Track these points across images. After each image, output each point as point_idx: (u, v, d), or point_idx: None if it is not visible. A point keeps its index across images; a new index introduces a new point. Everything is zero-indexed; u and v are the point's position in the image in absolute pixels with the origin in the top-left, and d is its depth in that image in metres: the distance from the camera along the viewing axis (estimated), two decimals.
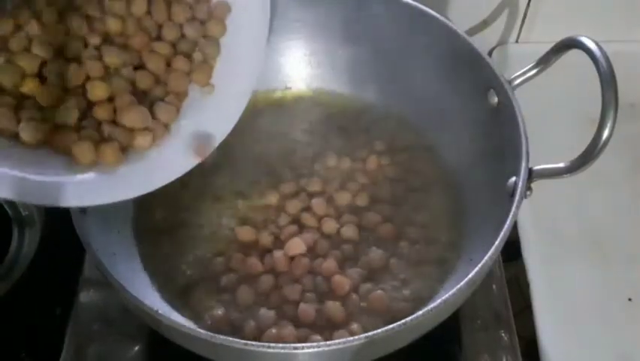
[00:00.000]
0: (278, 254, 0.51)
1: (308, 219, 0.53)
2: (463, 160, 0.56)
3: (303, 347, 0.39)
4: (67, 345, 0.52)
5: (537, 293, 0.54)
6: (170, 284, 0.50)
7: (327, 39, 0.61)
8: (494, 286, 0.55)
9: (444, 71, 0.56)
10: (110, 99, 0.45)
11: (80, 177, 0.43)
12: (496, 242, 0.43)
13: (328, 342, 0.39)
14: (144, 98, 0.47)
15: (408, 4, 0.55)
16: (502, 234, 0.43)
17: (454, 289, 0.41)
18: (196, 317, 0.48)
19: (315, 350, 0.39)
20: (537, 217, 0.58)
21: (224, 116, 0.48)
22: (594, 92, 0.42)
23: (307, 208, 0.54)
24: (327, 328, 0.47)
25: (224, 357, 0.43)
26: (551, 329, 0.53)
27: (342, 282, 0.49)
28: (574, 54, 0.45)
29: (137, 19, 0.47)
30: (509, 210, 0.44)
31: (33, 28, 0.45)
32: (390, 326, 0.39)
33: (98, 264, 0.42)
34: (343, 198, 0.55)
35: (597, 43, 0.43)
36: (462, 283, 0.41)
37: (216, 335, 0.39)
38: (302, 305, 0.48)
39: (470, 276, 0.42)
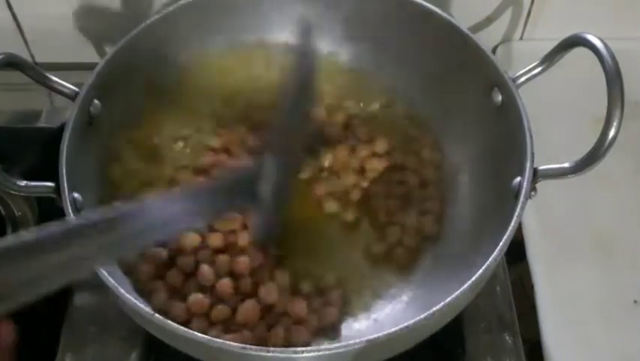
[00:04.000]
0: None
1: None
2: (466, 159, 0.55)
3: (302, 351, 0.39)
4: (61, 348, 0.52)
5: (541, 295, 0.54)
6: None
7: (327, 36, 0.60)
8: (498, 288, 0.54)
9: (447, 68, 0.55)
10: None
11: None
12: (500, 243, 0.42)
13: (329, 346, 0.39)
14: None
15: (410, 2, 0.55)
16: (506, 235, 0.42)
17: (458, 292, 0.40)
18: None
19: (315, 353, 0.39)
20: (542, 218, 0.58)
21: None
22: (600, 90, 0.41)
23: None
24: None
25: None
26: (556, 331, 0.52)
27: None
28: (579, 52, 0.44)
29: None
30: (514, 211, 0.43)
31: None
32: (393, 329, 0.39)
33: None
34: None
35: (603, 41, 0.43)
36: (465, 286, 0.41)
37: (214, 339, 0.39)
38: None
39: (474, 278, 0.41)
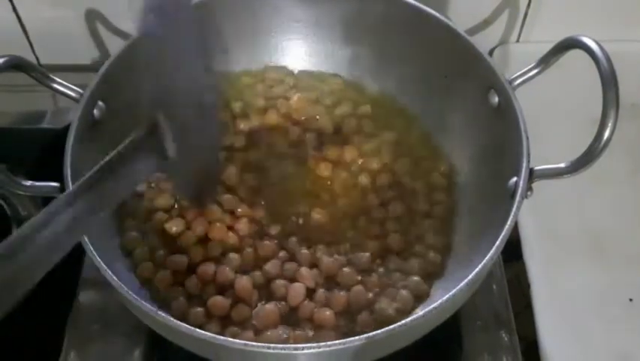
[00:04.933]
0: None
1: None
2: (464, 160, 0.56)
3: (303, 348, 0.39)
4: (66, 346, 0.52)
5: (538, 294, 0.54)
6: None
7: (327, 39, 0.61)
8: (495, 287, 0.54)
9: (444, 71, 0.56)
10: None
11: None
12: (497, 243, 0.43)
13: (329, 343, 0.39)
14: None
15: (408, 4, 0.55)
16: (502, 234, 0.43)
17: (455, 290, 0.41)
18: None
19: (316, 350, 0.39)
20: (538, 218, 0.58)
21: None
22: (595, 92, 0.42)
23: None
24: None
25: (224, 358, 0.43)
26: (552, 329, 0.53)
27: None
28: (575, 53, 0.45)
29: None
30: (510, 211, 0.44)
31: None
32: (391, 326, 0.39)
33: (97, 264, 0.42)
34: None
35: (598, 43, 0.43)
36: (462, 284, 0.41)
37: (217, 336, 0.39)
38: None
39: (470, 277, 0.42)
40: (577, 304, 0.54)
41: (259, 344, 0.39)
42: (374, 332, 0.39)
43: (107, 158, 0.39)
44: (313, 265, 0.50)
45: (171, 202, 0.53)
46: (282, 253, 0.51)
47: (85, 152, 0.48)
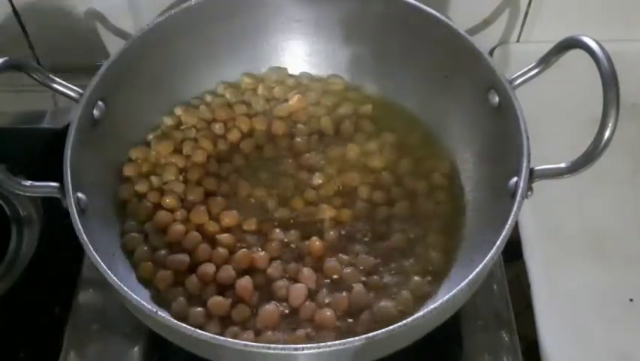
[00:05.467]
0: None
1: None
2: (464, 160, 0.56)
3: (303, 348, 0.39)
4: (65, 345, 0.52)
5: (538, 294, 0.54)
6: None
7: (327, 39, 0.61)
8: (495, 287, 0.54)
9: (444, 70, 0.56)
10: None
11: None
12: (497, 242, 0.43)
13: (329, 343, 0.39)
14: None
15: (408, 4, 0.55)
16: (503, 234, 0.43)
17: (455, 290, 0.41)
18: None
19: (316, 350, 0.39)
20: (538, 217, 0.58)
21: None
22: (596, 91, 0.42)
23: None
24: None
25: (224, 358, 0.43)
26: (552, 329, 0.53)
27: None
28: (576, 53, 0.45)
29: None
30: (510, 211, 0.44)
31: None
32: (391, 326, 0.39)
33: (96, 264, 0.42)
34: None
35: (599, 43, 0.43)
36: (463, 284, 0.41)
37: (217, 336, 0.39)
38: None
39: (471, 277, 0.42)
40: (577, 304, 0.54)
41: (259, 344, 0.40)
42: (374, 333, 0.39)
43: None
44: (315, 265, 0.50)
45: (178, 203, 0.54)
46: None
47: (85, 152, 0.48)
